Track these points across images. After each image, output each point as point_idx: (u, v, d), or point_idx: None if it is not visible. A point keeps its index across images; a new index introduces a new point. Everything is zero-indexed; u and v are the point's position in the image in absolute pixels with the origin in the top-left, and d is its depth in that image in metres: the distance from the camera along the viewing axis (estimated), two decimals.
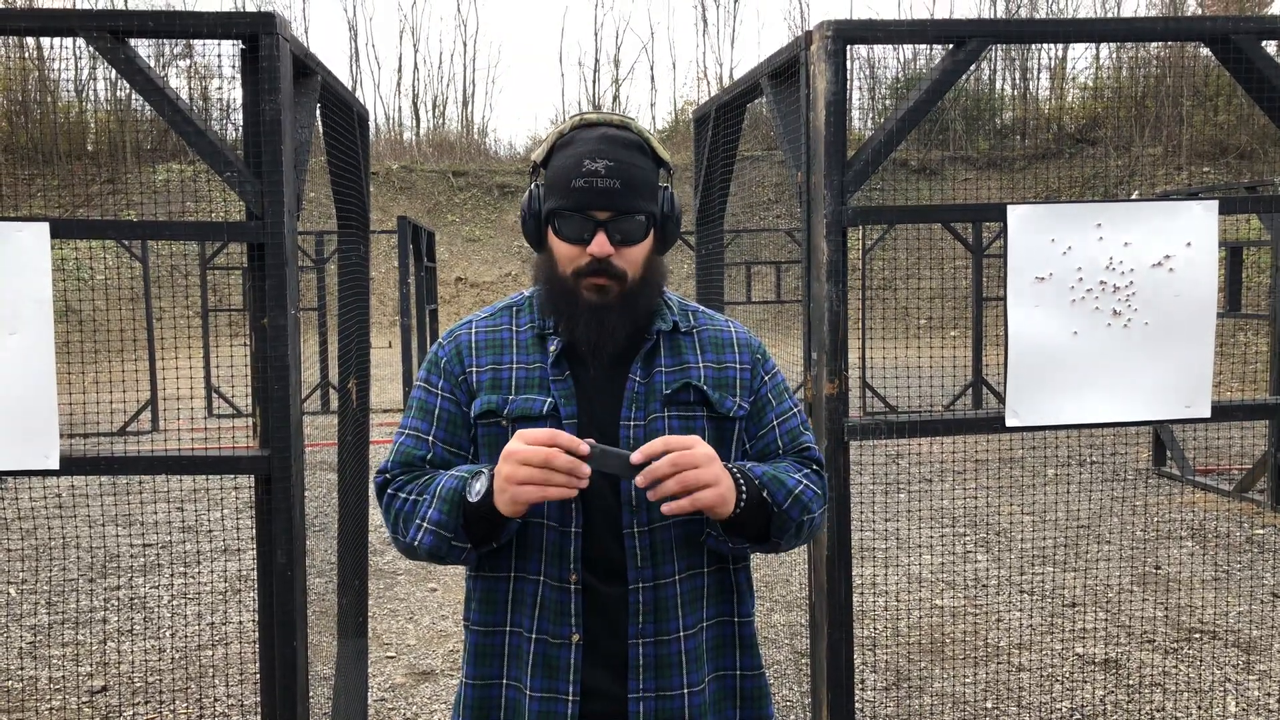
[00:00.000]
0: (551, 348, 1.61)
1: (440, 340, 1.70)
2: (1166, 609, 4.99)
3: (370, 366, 3.66)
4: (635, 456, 1.43)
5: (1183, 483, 7.66)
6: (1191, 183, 20.61)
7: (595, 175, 1.53)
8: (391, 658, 4.60)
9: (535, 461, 1.40)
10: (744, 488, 1.51)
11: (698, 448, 1.44)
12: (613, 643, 1.57)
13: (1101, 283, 2.64)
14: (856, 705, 3.34)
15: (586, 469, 1.41)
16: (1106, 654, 4.46)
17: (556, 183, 1.57)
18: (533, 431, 1.44)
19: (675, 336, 1.66)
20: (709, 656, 1.62)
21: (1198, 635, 4.66)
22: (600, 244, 1.54)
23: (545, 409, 1.58)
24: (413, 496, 1.58)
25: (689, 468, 1.42)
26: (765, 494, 1.54)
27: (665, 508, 1.44)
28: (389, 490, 1.63)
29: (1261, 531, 6.34)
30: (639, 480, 1.43)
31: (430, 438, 1.64)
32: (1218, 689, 4.09)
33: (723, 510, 1.47)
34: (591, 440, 1.44)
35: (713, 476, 1.44)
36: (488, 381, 1.62)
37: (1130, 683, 4.16)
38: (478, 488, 1.48)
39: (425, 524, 1.53)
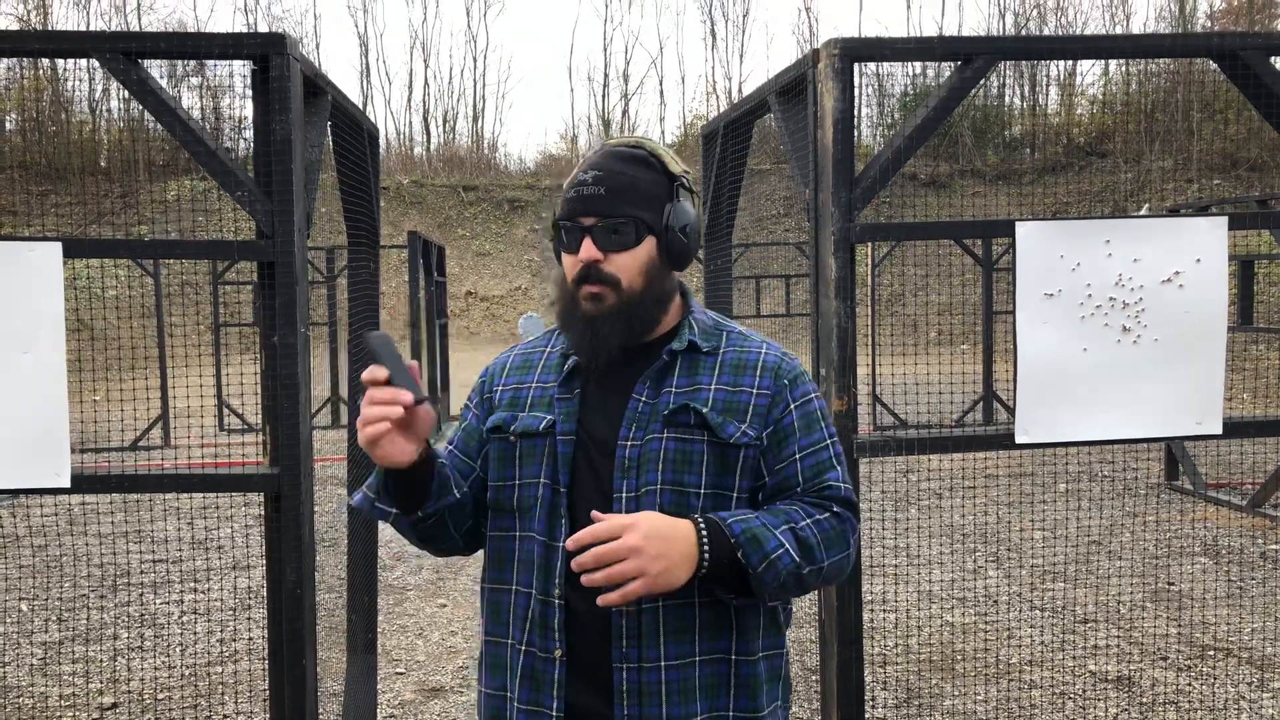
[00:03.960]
0: (567, 366, 1.65)
1: (488, 364, 1.79)
2: (1180, 625, 4.95)
3: None
4: (569, 544, 1.45)
5: (1195, 497, 7.61)
6: (1202, 195, 20.56)
7: (583, 184, 1.60)
8: (401, 674, 4.60)
9: (378, 400, 1.45)
10: (706, 552, 1.47)
11: (625, 538, 1.42)
12: (598, 663, 1.56)
13: (1111, 299, 2.63)
14: None
15: (406, 397, 1.44)
16: (1119, 671, 4.43)
17: (561, 200, 1.65)
18: (379, 391, 1.48)
19: (695, 357, 1.63)
20: (702, 694, 1.56)
21: (1212, 652, 4.62)
22: (586, 248, 1.58)
23: (542, 426, 1.62)
24: None
25: (614, 561, 1.42)
26: (740, 555, 1.48)
27: (599, 600, 1.44)
28: None
29: (1276, 547, 6.29)
30: (575, 566, 1.45)
31: (452, 446, 1.75)
32: (1232, 707, 4.06)
33: (658, 591, 1.45)
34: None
35: (637, 568, 1.42)
36: (507, 399, 1.69)
37: (1143, 700, 4.13)
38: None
39: (364, 487, 1.65)
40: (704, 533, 1.48)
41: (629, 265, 1.59)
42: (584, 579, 1.44)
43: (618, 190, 1.59)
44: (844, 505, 1.60)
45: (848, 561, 1.59)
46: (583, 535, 1.44)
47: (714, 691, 1.57)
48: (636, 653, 1.54)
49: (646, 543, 1.42)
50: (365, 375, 1.46)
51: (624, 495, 1.56)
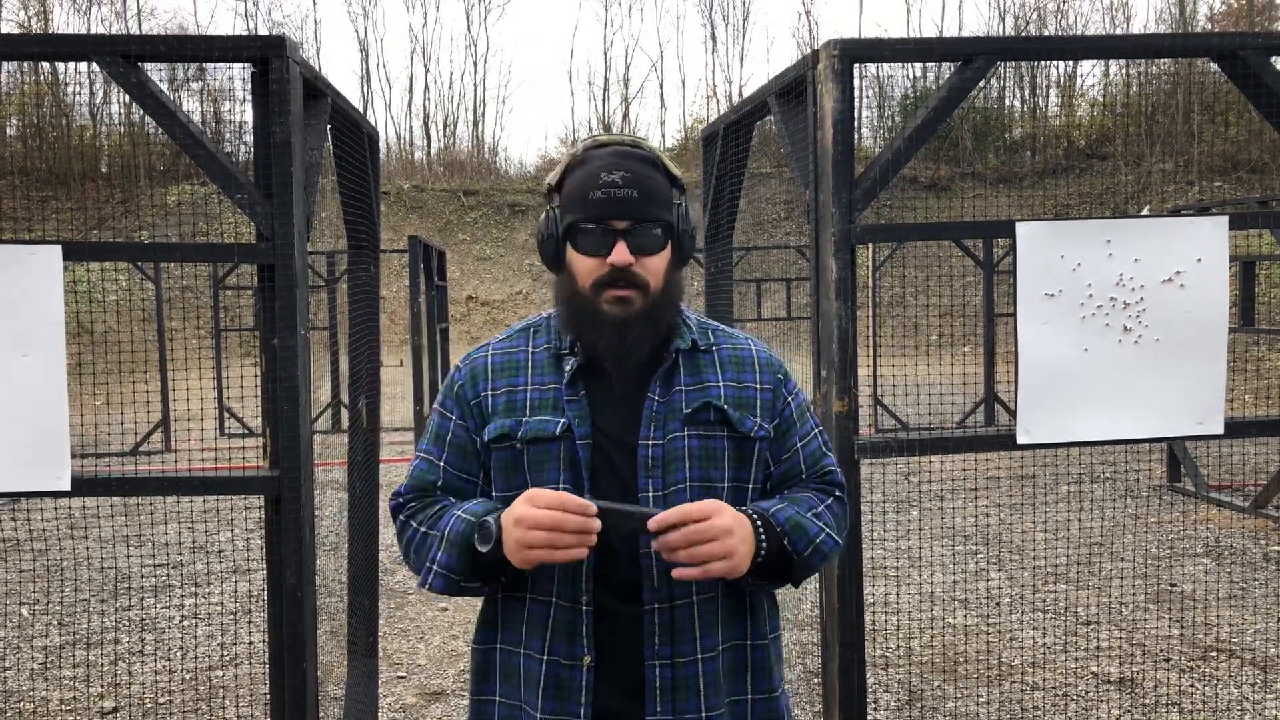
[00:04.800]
0: (567, 367, 1.61)
1: (458, 365, 1.71)
2: (1182, 627, 4.94)
3: (381, 385, 3.67)
4: (651, 524, 1.44)
5: (1197, 499, 7.60)
6: (1203, 197, 20.55)
7: (613, 186, 1.55)
8: (402, 678, 4.59)
9: (545, 525, 1.42)
10: (763, 540, 1.53)
11: (715, 519, 1.45)
12: (628, 665, 1.55)
13: (1112, 299, 2.63)
14: None
15: (596, 525, 1.43)
16: (1122, 673, 4.42)
17: (574, 198, 1.58)
18: (541, 494, 1.45)
19: (694, 355, 1.65)
20: (726, 681, 1.60)
21: (1214, 653, 4.61)
22: (620, 253, 1.55)
23: (558, 430, 1.57)
24: (423, 529, 1.61)
25: (702, 542, 1.44)
26: (786, 542, 1.55)
27: (675, 573, 1.46)
28: (401, 516, 1.66)
29: (1278, 548, 6.28)
30: (655, 546, 1.46)
31: (441, 463, 1.66)
32: (1235, 708, 4.05)
33: (734, 575, 1.49)
34: (601, 501, 1.46)
35: (725, 549, 1.45)
36: (503, 405, 1.62)
37: (1146, 702, 4.12)
38: (489, 534, 1.49)
39: (435, 567, 1.56)
40: (758, 523, 1.53)
41: (657, 268, 1.59)
42: (666, 555, 1.45)
43: (648, 193, 1.57)
44: (841, 489, 1.71)
45: (845, 539, 1.72)
46: (671, 515, 1.44)
47: (733, 677, 1.62)
48: (669, 649, 1.55)
49: (736, 525, 1.47)
50: (574, 503, 1.43)
51: (650, 494, 1.56)
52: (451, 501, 1.63)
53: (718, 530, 1.44)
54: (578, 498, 1.44)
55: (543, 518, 1.42)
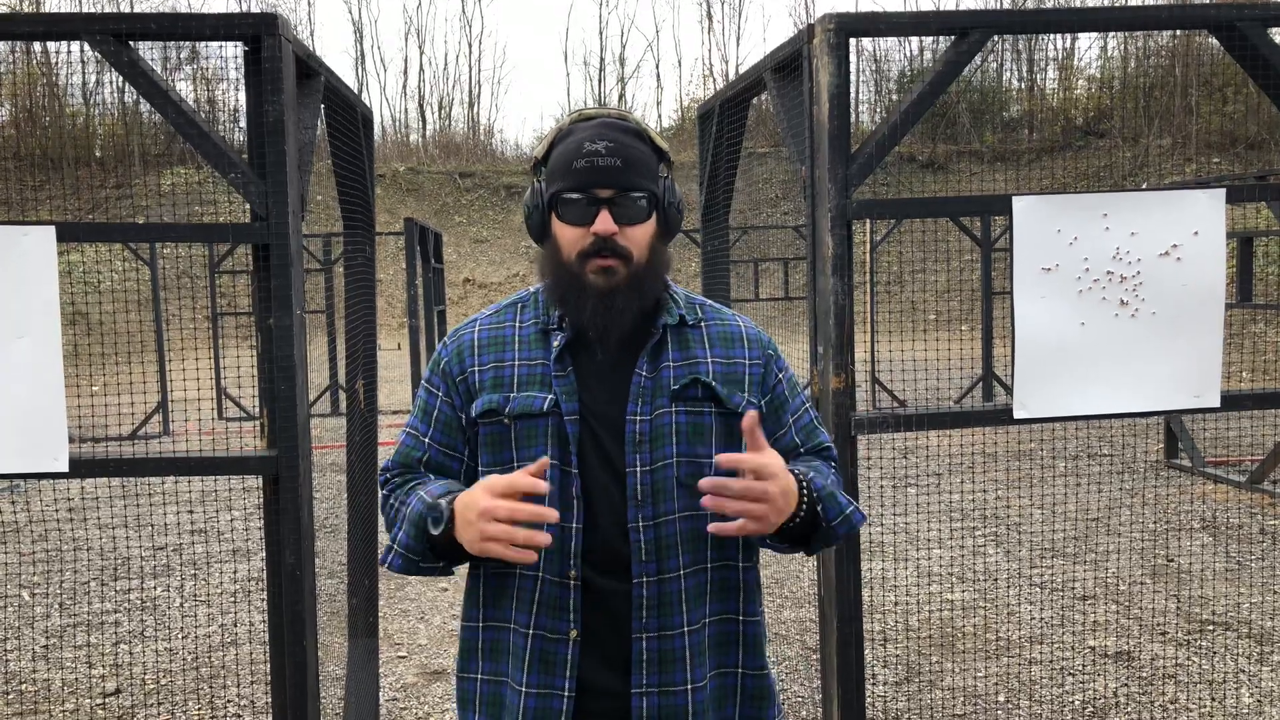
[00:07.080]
0: (555, 342, 1.60)
1: (444, 340, 1.70)
2: (1179, 601, 4.96)
3: (378, 368, 3.67)
4: (721, 459, 1.44)
5: (1194, 474, 7.62)
6: (1201, 173, 20.51)
7: (596, 155, 1.55)
8: (403, 657, 4.61)
9: (501, 517, 1.40)
10: (804, 507, 1.51)
11: (770, 485, 1.43)
12: (615, 638, 1.56)
13: (1108, 273, 2.62)
14: (867, 700, 3.33)
15: (552, 514, 1.41)
16: (1119, 646, 4.44)
17: (558, 169, 1.58)
18: (496, 480, 1.43)
19: (682, 330, 1.64)
20: (711, 653, 1.61)
21: (1211, 627, 4.64)
22: (604, 221, 1.54)
23: (546, 405, 1.57)
24: (396, 505, 1.63)
25: (754, 501, 1.42)
26: (820, 509, 1.55)
27: (712, 528, 1.45)
28: (384, 491, 1.68)
29: (1275, 523, 6.30)
30: (706, 484, 1.42)
31: (426, 439, 1.66)
32: (1231, 681, 4.07)
33: (765, 530, 1.47)
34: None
35: (762, 513, 1.43)
36: (490, 380, 1.62)
37: (1143, 675, 4.15)
38: (439, 517, 1.49)
39: (396, 545, 1.57)
40: (801, 481, 1.52)
41: (640, 239, 1.59)
42: (709, 500, 1.42)
43: (632, 163, 1.56)
44: (835, 461, 1.74)
45: None
46: (746, 460, 1.42)
47: (722, 650, 1.62)
48: (657, 622, 1.56)
49: (781, 498, 1.45)
50: (524, 483, 1.41)
51: (637, 470, 1.56)
52: (426, 479, 1.64)
53: (764, 495, 1.42)
54: (528, 477, 1.41)
55: (499, 508, 1.40)
